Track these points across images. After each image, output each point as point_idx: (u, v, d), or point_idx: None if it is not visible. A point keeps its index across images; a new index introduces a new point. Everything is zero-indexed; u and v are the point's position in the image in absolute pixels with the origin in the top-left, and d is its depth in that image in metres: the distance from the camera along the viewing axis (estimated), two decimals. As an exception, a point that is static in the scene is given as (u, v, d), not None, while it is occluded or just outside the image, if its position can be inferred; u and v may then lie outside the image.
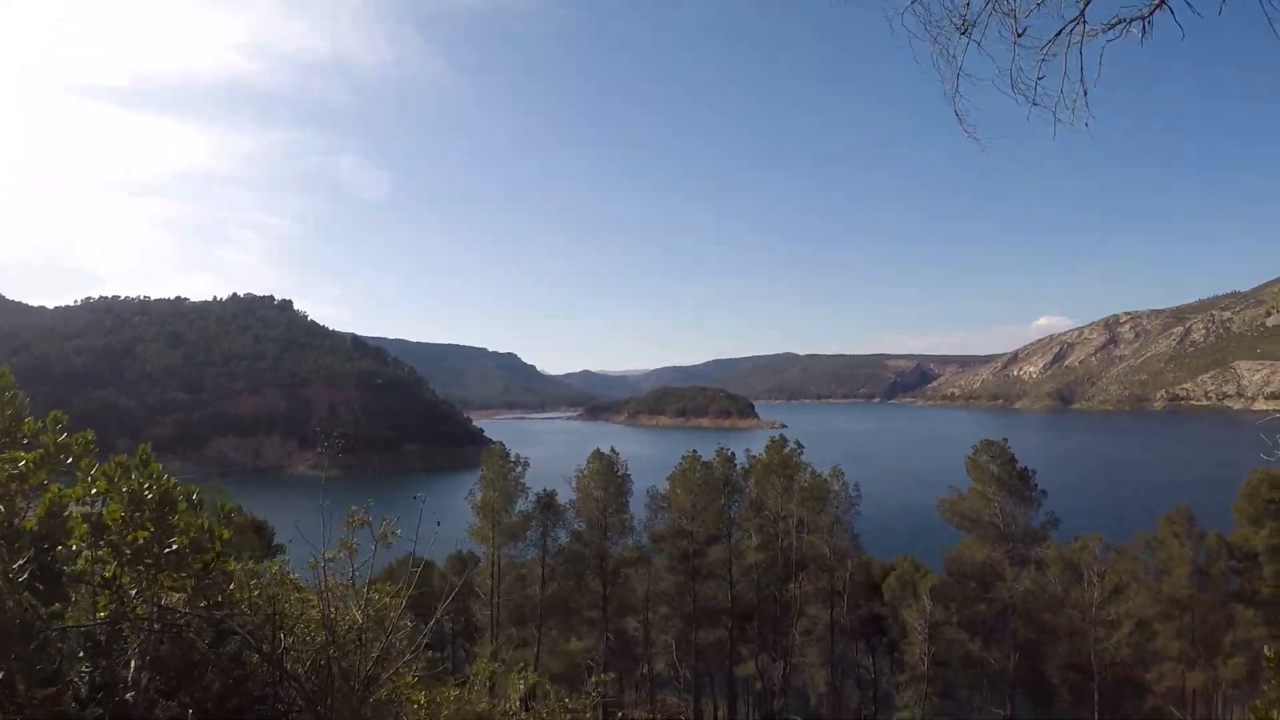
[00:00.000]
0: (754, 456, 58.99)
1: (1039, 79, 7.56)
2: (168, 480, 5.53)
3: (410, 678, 5.84)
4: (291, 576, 6.51)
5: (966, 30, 7.70)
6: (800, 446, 57.46)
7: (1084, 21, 7.20)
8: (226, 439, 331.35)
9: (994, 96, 7.95)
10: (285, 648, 5.62)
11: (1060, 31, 7.31)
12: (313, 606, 6.13)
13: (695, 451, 58.16)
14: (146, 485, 5.42)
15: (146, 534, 5.30)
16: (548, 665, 59.08)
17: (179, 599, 5.45)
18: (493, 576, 56.56)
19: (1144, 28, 6.97)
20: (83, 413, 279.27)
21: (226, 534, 5.66)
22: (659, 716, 56.60)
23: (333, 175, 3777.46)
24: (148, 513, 5.37)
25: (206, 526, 5.60)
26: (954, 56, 7.81)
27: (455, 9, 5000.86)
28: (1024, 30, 7.48)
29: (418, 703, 5.61)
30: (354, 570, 6.55)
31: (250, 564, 6.28)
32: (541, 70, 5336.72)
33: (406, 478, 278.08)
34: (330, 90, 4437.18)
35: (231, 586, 5.80)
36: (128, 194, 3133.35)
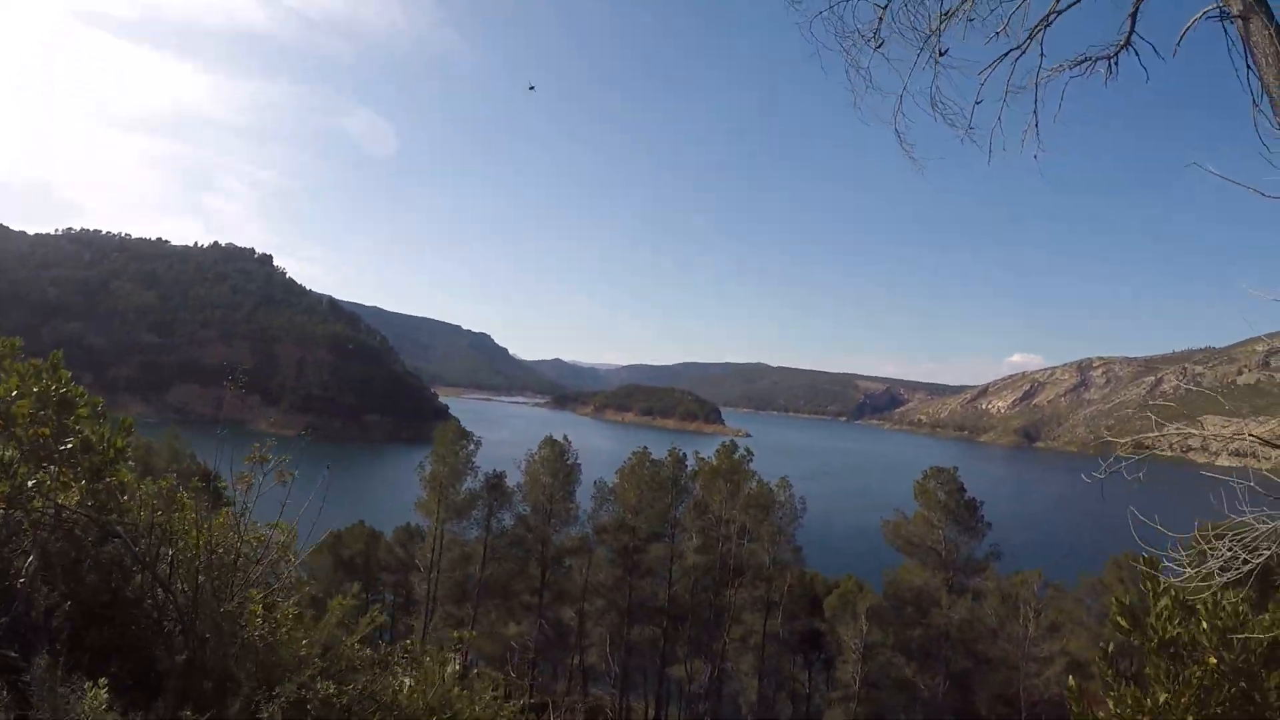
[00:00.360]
0: (703, 459, 58.99)
1: (976, 103, 7.56)
2: (73, 387, 6.09)
3: (255, 592, 5.95)
4: (182, 496, 6.65)
5: (879, 45, 7.71)
6: (749, 454, 57.46)
7: (1043, 55, 7.15)
8: (189, 386, 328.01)
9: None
10: (171, 560, 5.92)
11: (1003, 57, 7.31)
12: (202, 526, 6.35)
13: (646, 448, 58.26)
14: (54, 388, 5.97)
15: (47, 431, 5.83)
16: (481, 647, 59.05)
17: (75, 500, 5.77)
18: (433, 551, 56.52)
19: (1109, 67, 6.99)
20: (49, 344, 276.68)
21: (120, 443, 6.11)
22: (582, 706, 56.55)
23: (328, 134, 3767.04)
24: (50, 411, 5.91)
25: (104, 433, 6.07)
26: (867, 69, 7.81)
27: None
28: (945, 50, 7.50)
29: (257, 613, 5.72)
30: (245, 503, 6.77)
31: (150, 481, 6.53)
32: (550, 56, 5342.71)
33: (366, 445, 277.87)
34: (337, 48, 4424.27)
35: (126, 497, 6.09)
36: (120, 128, 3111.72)
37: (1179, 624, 5.97)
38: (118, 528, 5.79)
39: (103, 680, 4.29)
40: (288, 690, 5.33)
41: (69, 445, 5.84)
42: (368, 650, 6.87)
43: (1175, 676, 5.78)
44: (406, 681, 6.73)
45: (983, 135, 7.65)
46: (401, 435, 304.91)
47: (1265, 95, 5.60)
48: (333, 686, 5.69)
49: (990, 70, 7.34)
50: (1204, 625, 5.77)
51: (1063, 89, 7.22)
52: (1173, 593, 6.02)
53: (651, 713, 60.98)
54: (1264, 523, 5.38)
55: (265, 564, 6.57)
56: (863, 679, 51.00)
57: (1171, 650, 5.94)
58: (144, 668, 5.27)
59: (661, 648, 57.30)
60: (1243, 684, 5.64)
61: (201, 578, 5.87)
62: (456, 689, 7.12)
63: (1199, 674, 5.69)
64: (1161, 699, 5.77)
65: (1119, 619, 6.17)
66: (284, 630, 6.00)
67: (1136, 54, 6.89)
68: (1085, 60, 7.00)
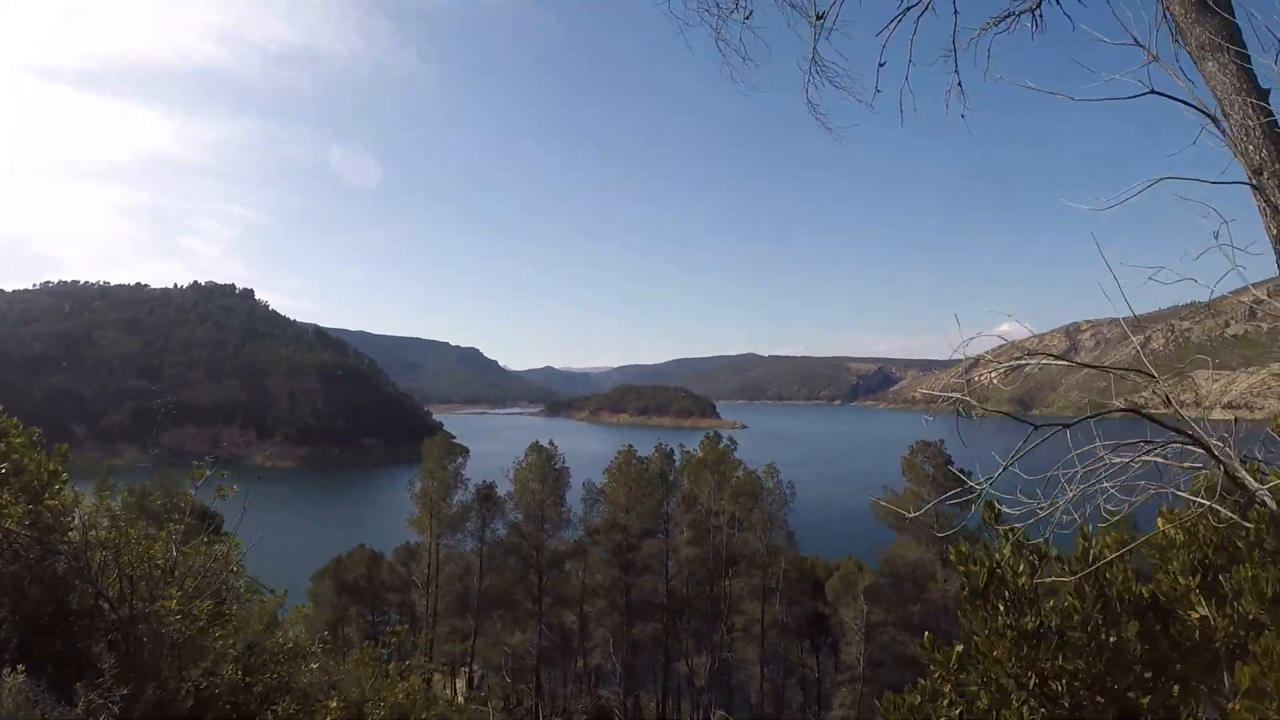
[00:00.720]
0: (688, 452, 59.29)
1: (880, 65, 7.35)
2: (7, 420, 6.48)
3: (174, 591, 6.39)
4: (117, 511, 7.12)
5: (748, 16, 7.59)
6: (734, 444, 57.79)
7: (956, 14, 6.88)
8: (184, 428, 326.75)
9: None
10: (116, 573, 6.26)
11: (902, 15, 7.04)
12: (135, 542, 6.69)
13: (631, 446, 58.46)
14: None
15: (-18, 463, 6.13)
16: (488, 657, 59.26)
17: (15, 522, 6.11)
18: (430, 566, 56.73)
19: (1034, 20, 6.64)
20: (40, 399, 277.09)
21: (53, 466, 6.51)
22: (588, 709, 56.75)
23: (299, 166, 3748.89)
24: (-16, 446, 6.21)
25: (39, 459, 6.46)
26: (739, 41, 7.70)
27: (428, 2, 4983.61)
28: (823, 13, 7.32)
29: (172, 609, 6.16)
30: (181, 518, 7.29)
31: (90, 501, 7.16)
32: (510, 67, 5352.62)
33: (364, 470, 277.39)
34: (299, 80, 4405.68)
35: (68, 519, 6.52)
36: (91, 179, 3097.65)
37: (1023, 572, 5.63)
38: (61, 545, 6.18)
39: (20, 666, 4.68)
40: (193, 675, 5.75)
41: (3, 470, 6.16)
42: (289, 645, 7.25)
43: (1009, 628, 5.38)
44: (314, 667, 7.11)
45: (892, 100, 7.31)
46: (398, 456, 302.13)
47: (1178, 31, 5.52)
48: (241, 674, 6.09)
49: (890, 31, 7.05)
50: (1072, 572, 5.56)
51: (988, 45, 6.79)
52: (1013, 538, 5.66)
53: (659, 709, 61.05)
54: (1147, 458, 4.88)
55: (202, 574, 6.90)
56: (867, 659, 51.17)
57: (988, 600, 5.58)
58: (83, 670, 5.64)
59: (664, 643, 57.47)
60: (1111, 637, 5.39)
61: (143, 586, 6.22)
62: (396, 681, 7.52)
63: (1031, 623, 5.36)
64: (956, 651, 5.44)
65: (960, 567, 5.81)
66: (199, 627, 6.37)
67: (1058, 1, 6.53)
68: (1009, 15, 6.66)
